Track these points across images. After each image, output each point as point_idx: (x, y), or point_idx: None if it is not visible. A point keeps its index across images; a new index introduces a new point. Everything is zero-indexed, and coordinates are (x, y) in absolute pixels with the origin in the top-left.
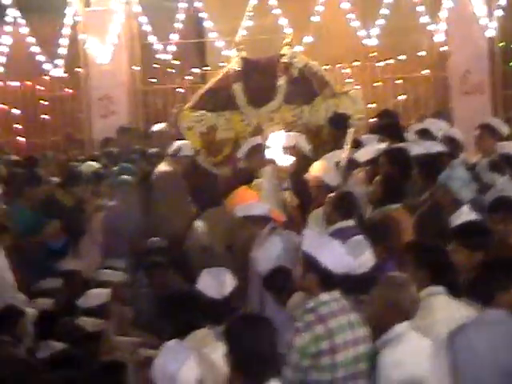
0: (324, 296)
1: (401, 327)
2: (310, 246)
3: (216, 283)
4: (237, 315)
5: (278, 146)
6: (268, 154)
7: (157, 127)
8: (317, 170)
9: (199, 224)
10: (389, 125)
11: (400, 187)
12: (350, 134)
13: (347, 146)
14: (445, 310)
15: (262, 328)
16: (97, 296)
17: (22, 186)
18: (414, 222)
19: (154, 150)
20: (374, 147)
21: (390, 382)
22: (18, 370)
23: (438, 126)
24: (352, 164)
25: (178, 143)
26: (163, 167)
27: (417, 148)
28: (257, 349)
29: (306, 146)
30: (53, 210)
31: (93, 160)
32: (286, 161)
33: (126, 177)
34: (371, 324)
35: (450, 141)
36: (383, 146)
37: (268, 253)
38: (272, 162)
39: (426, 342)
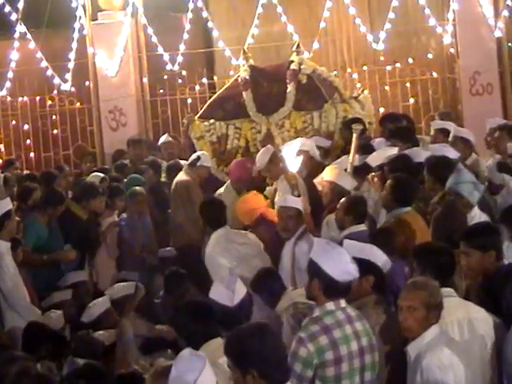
0: (330, 305)
1: (436, 329)
2: (315, 253)
3: (227, 292)
4: (239, 327)
5: (290, 153)
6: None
7: (163, 139)
8: (329, 175)
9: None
10: (401, 129)
11: (410, 191)
12: (355, 138)
13: (352, 151)
14: (457, 311)
15: (270, 334)
16: (97, 306)
17: (39, 202)
18: (431, 226)
19: (163, 160)
20: (385, 152)
21: None
22: None
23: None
24: (364, 168)
25: (196, 153)
26: (181, 177)
27: (425, 153)
28: (274, 354)
29: (316, 152)
30: (68, 223)
31: (101, 172)
32: (297, 167)
33: (136, 188)
34: (408, 330)
35: (462, 141)
36: (395, 150)
37: (303, 251)
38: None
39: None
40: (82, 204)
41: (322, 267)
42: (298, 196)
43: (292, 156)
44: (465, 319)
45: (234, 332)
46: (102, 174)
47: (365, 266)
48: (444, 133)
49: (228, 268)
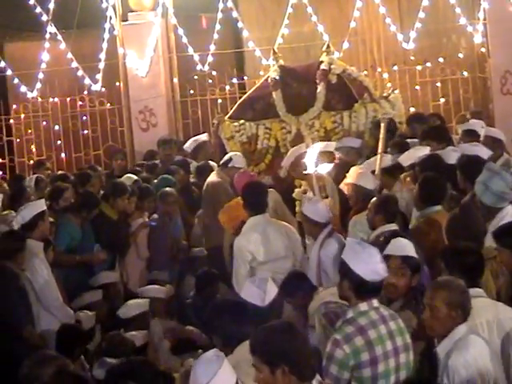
0: (363, 306)
1: (463, 328)
2: (346, 253)
3: (259, 291)
4: (264, 326)
5: (318, 154)
6: (309, 161)
7: (192, 141)
8: (351, 177)
9: None
10: (434, 129)
11: (439, 190)
12: (383, 128)
13: (380, 149)
14: (487, 311)
15: (297, 330)
16: (136, 306)
17: (74, 204)
18: (445, 226)
19: (192, 161)
20: (417, 151)
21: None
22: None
23: (480, 126)
24: (396, 168)
25: (229, 154)
26: (213, 178)
27: (455, 153)
28: (303, 350)
29: (344, 152)
30: (99, 223)
31: (133, 173)
32: (326, 168)
33: (167, 189)
34: (430, 328)
35: (493, 141)
36: (427, 150)
37: (327, 254)
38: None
39: (484, 342)
40: (110, 203)
41: (352, 267)
42: (326, 197)
43: (316, 158)
44: (494, 320)
45: (261, 330)
46: (134, 177)
47: (415, 264)
48: (471, 134)
49: (252, 257)
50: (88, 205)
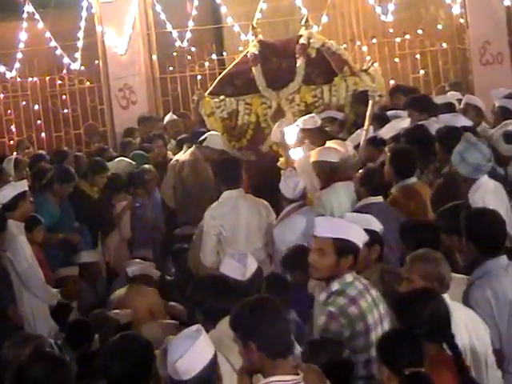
0: (348, 276)
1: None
2: (330, 230)
3: (239, 266)
4: (243, 301)
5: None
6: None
7: (168, 117)
8: (312, 155)
9: None
10: (418, 98)
11: (409, 162)
12: (371, 105)
13: (367, 123)
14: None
15: (271, 308)
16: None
17: (52, 181)
18: (430, 197)
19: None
20: (398, 124)
21: None
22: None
23: (455, 99)
24: (379, 140)
25: (207, 134)
26: (187, 156)
27: (436, 124)
28: (274, 328)
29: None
30: (78, 202)
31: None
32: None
33: (146, 166)
34: None
35: (473, 108)
36: (407, 122)
37: (290, 232)
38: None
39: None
40: (89, 180)
41: (352, 239)
42: None
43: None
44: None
45: (237, 305)
46: (127, 160)
47: (371, 235)
48: (448, 107)
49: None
50: (62, 179)
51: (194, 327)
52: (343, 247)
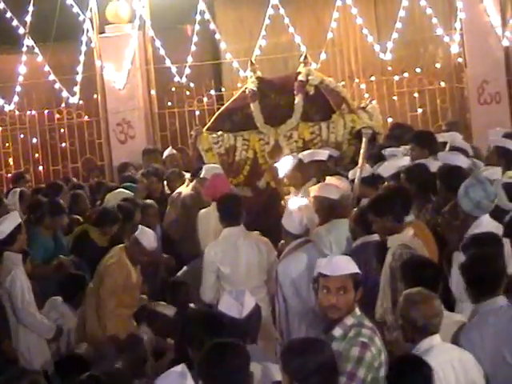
0: (357, 310)
1: (425, 344)
2: (346, 266)
3: (236, 303)
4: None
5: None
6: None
7: (167, 152)
8: (313, 190)
9: None
10: (421, 133)
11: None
12: (364, 143)
13: (361, 161)
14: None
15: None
16: None
17: (43, 214)
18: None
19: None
20: (398, 162)
21: None
22: None
23: (454, 138)
24: (375, 178)
25: (204, 166)
26: (187, 190)
27: (437, 162)
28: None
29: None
30: (84, 249)
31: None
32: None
33: (148, 201)
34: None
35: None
36: (407, 160)
37: (294, 267)
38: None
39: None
40: (100, 229)
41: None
42: None
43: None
44: None
45: (287, 344)
46: (126, 191)
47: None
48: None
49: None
50: (55, 213)
51: (179, 367)
52: (358, 281)
